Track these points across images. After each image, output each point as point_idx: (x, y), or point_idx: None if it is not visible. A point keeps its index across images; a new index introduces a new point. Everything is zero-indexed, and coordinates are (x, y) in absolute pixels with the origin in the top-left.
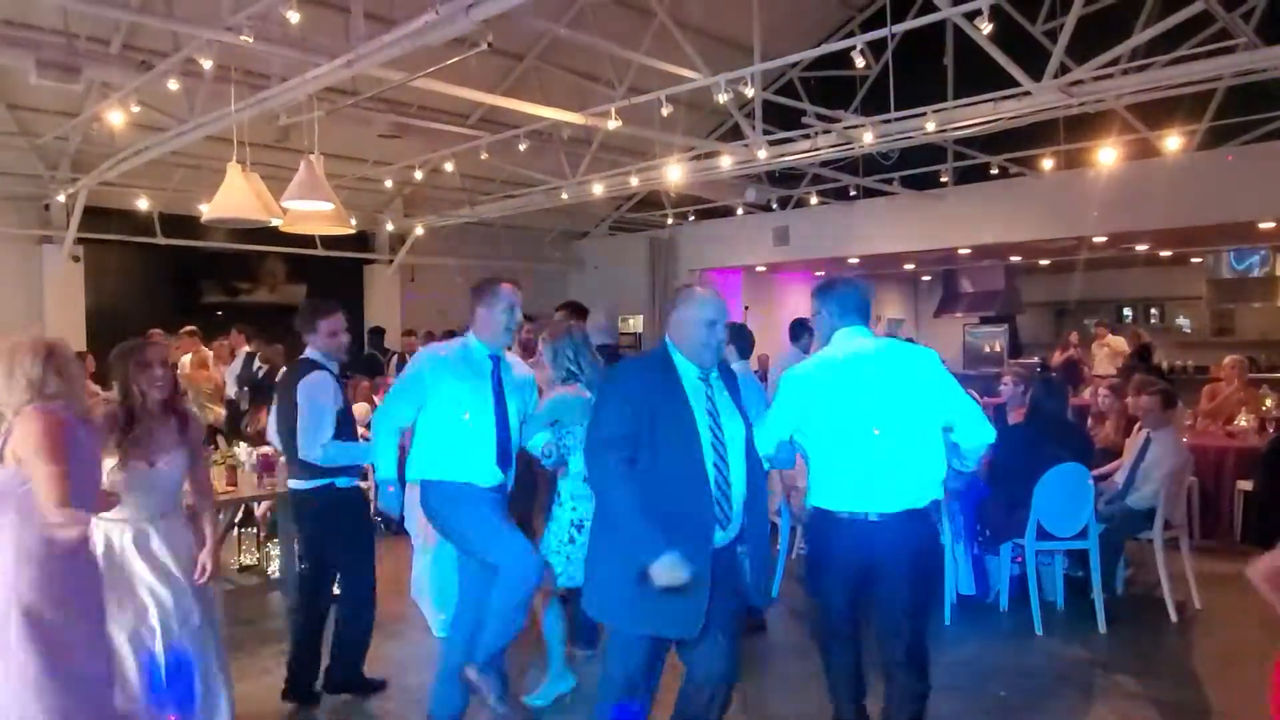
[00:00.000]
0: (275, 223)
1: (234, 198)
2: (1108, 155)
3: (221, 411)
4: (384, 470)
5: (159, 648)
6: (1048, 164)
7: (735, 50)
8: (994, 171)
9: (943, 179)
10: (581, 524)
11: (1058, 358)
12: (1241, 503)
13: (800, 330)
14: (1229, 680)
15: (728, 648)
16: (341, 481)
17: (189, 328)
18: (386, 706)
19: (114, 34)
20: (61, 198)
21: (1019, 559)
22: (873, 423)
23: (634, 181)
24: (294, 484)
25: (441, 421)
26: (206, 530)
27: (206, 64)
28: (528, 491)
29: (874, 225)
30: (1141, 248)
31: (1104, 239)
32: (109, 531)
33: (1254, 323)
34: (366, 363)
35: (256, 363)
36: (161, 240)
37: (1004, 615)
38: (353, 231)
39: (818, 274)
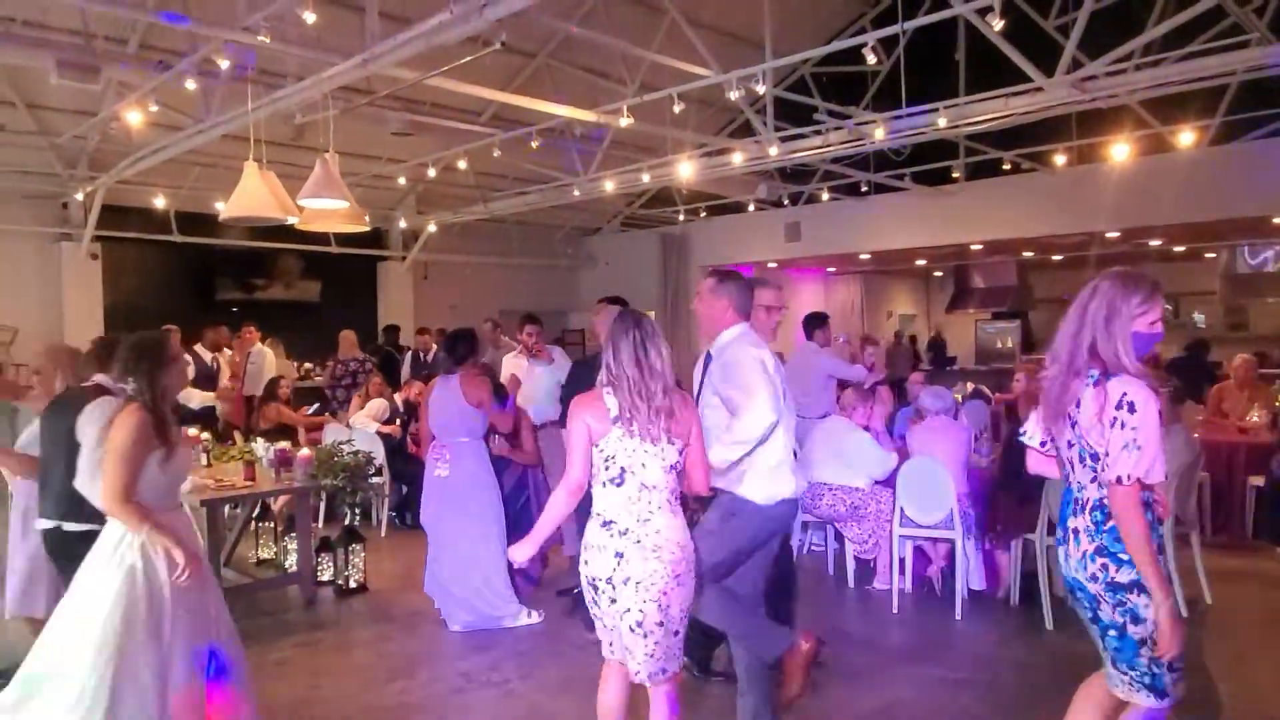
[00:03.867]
0: (292, 221)
1: (251, 196)
2: (1121, 151)
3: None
4: None
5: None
6: (1060, 160)
7: (746, 47)
8: (1006, 167)
9: (955, 175)
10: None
11: None
12: (1253, 498)
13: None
14: (1240, 675)
15: None
16: None
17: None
18: (406, 699)
19: (131, 34)
20: (80, 196)
21: (1030, 554)
22: None
23: (646, 178)
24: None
25: None
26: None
27: (223, 64)
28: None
29: (885, 221)
30: (1155, 243)
31: (1117, 234)
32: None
33: (1268, 318)
34: (382, 360)
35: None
36: (178, 238)
37: (1015, 611)
38: (367, 229)
39: (830, 270)
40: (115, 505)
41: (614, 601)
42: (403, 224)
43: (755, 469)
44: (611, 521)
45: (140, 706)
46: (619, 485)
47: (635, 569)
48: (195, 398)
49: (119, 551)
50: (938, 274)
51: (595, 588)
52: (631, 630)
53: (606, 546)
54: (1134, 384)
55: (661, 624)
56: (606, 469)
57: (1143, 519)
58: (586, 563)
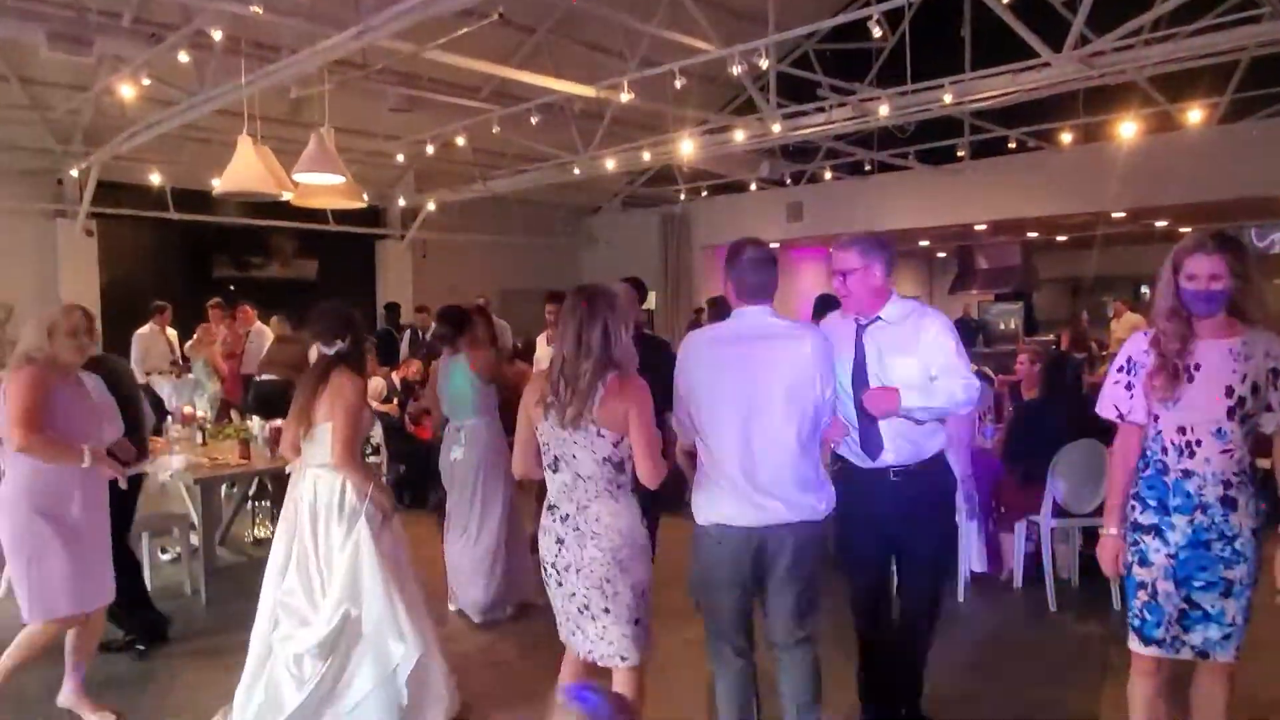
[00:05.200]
0: (286, 196)
1: (245, 170)
2: (1128, 129)
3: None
4: None
5: None
6: (1066, 138)
7: (749, 21)
8: (1011, 145)
9: (959, 153)
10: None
11: (1065, 342)
12: (1260, 479)
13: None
14: (1243, 658)
15: None
16: None
17: (216, 300)
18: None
19: (124, 6)
20: (74, 172)
21: (1034, 536)
22: None
23: (646, 156)
24: None
25: None
26: None
27: (217, 36)
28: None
29: (889, 200)
30: (1161, 224)
31: (1123, 214)
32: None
33: (1276, 300)
34: (381, 339)
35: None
36: (174, 215)
37: (1018, 593)
38: (364, 205)
39: (832, 250)
40: (352, 461)
41: (560, 585)
42: (401, 202)
43: (699, 485)
44: (555, 506)
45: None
46: (555, 472)
47: (574, 555)
48: None
49: (348, 509)
50: (941, 255)
51: (545, 570)
52: (580, 612)
53: (550, 531)
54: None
55: (608, 610)
56: (544, 454)
57: (1117, 452)
58: (540, 543)
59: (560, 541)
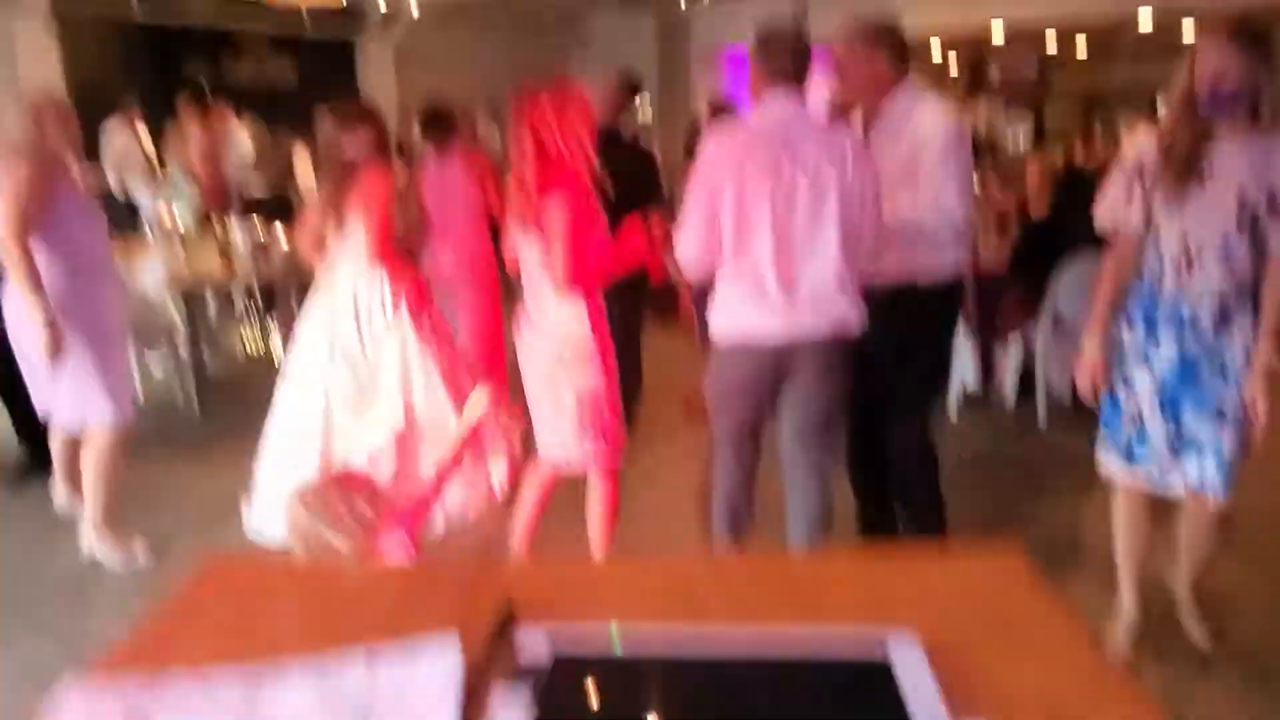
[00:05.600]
0: None
1: None
2: None
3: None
4: None
5: None
6: None
7: None
8: None
9: None
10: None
11: (1079, 155)
12: None
13: None
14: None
15: None
16: None
17: (187, 93)
18: None
19: None
20: None
21: (1030, 352)
22: None
23: None
24: None
25: None
26: None
27: None
28: None
29: None
30: (1188, 25)
31: (1149, 30)
32: None
33: None
34: None
35: None
36: (140, 17)
37: (1010, 411)
38: (342, 4)
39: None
40: (386, 254)
41: (525, 380)
42: (382, 6)
43: (720, 303)
44: (527, 298)
45: None
46: (524, 268)
47: (526, 348)
48: None
49: (388, 302)
50: (953, 75)
51: None
52: (534, 406)
53: (520, 324)
54: None
55: (549, 407)
56: None
57: (1109, 259)
58: None
59: (520, 334)
